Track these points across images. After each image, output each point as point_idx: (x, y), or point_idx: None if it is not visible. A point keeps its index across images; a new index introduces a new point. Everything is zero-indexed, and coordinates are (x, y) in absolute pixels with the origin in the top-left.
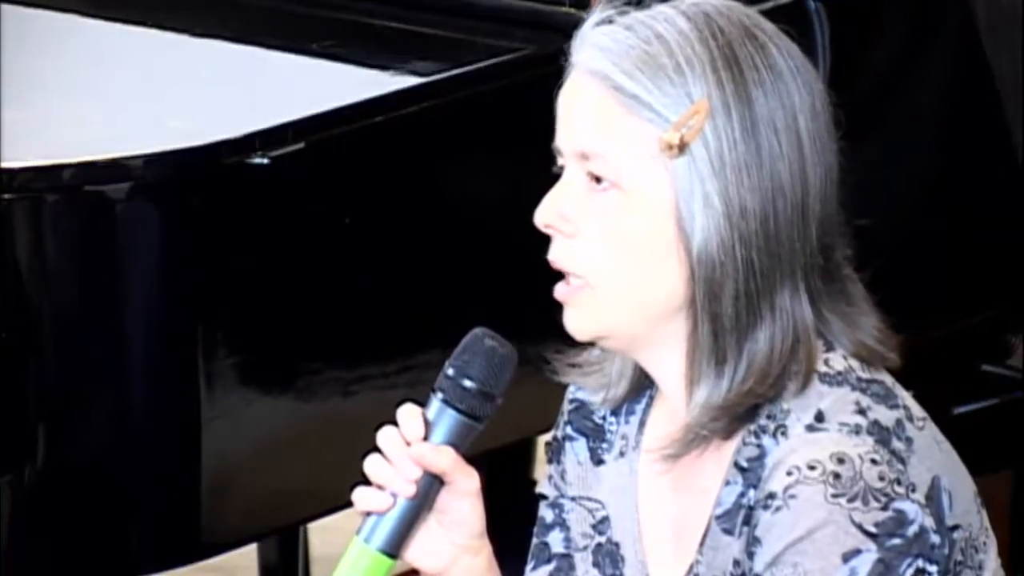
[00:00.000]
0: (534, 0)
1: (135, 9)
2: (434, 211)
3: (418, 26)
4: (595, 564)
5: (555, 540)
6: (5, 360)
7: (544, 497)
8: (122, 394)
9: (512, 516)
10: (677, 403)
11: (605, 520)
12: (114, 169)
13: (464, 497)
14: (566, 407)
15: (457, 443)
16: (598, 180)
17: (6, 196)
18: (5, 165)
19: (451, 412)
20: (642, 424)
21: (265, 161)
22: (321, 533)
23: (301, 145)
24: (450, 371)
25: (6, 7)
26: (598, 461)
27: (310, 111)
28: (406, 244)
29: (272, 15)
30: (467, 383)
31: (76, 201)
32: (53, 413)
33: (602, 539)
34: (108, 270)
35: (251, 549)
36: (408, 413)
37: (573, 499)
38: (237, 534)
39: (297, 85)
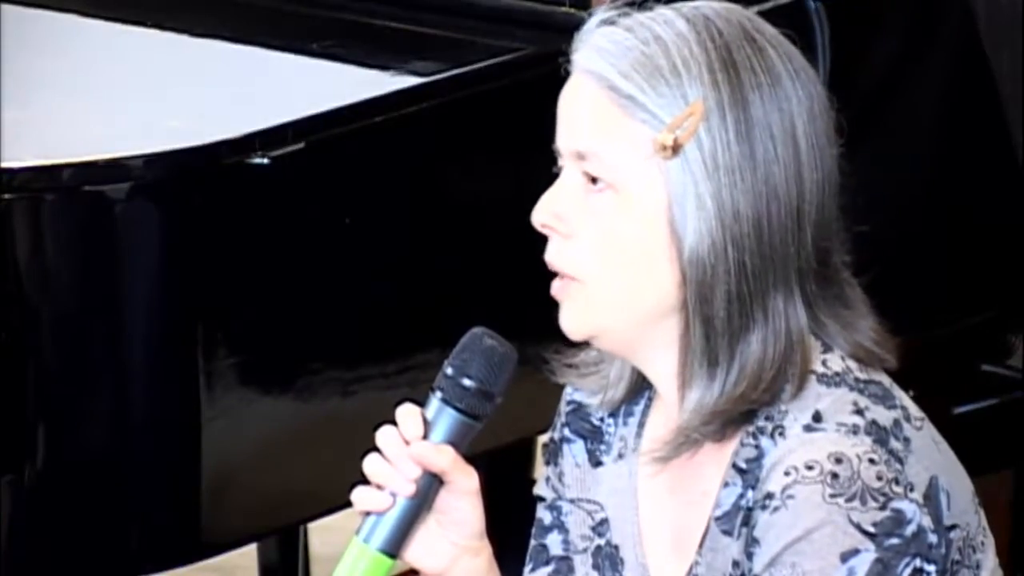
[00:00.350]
0: (534, 0)
1: (135, 9)
2: (434, 211)
3: (418, 26)
4: (595, 566)
5: (553, 542)
6: (5, 360)
7: (542, 499)
8: (122, 394)
9: (512, 517)
10: (673, 405)
11: (604, 522)
12: (114, 169)
13: (463, 496)
14: (563, 408)
15: (456, 442)
16: (594, 180)
17: (6, 196)
18: (5, 165)
19: (450, 411)
20: (641, 426)
21: (265, 161)
22: (321, 533)
23: (301, 145)
24: (449, 370)
25: (6, 7)
26: (596, 463)
27: (310, 111)
28: (406, 244)
29: (272, 15)
30: (466, 382)
31: (76, 201)
32: (53, 413)
33: (601, 541)
34: (108, 270)
35: (251, 549)
36: (407, 412)
37: (572, 501)
38: (237, 534)
39: (297, 85)
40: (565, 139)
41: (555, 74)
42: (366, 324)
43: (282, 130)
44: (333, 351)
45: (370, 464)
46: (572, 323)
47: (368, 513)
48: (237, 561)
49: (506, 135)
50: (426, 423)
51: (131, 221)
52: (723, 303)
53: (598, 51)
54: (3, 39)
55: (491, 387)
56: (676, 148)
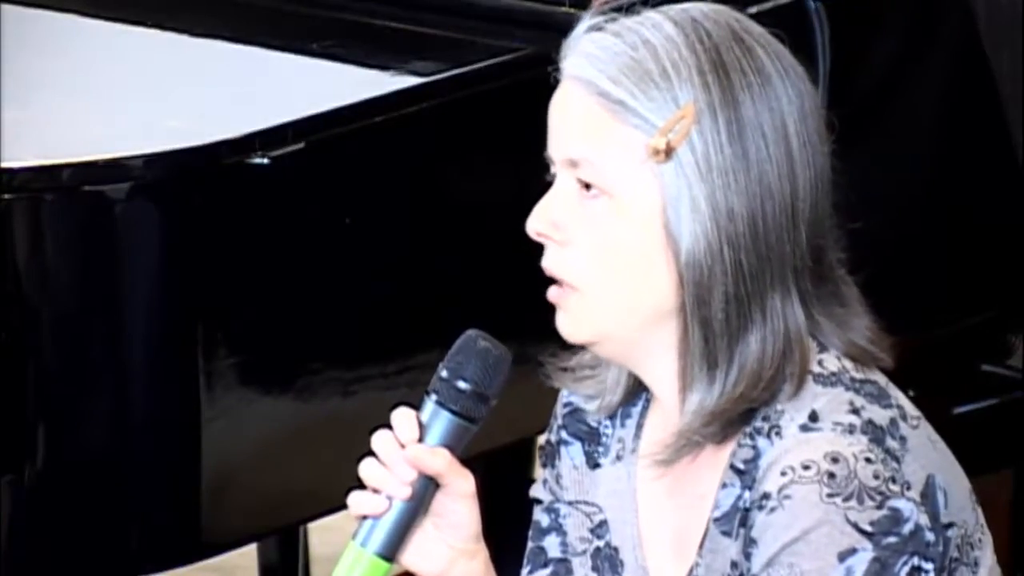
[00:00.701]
0: (534, 0)
1: (135, 9)
2: (434, 211)
3: (418, 26)
4: (594, 568)
5: (551, 544)
6: (5, 360)
7: (538, 501)
8: (122, 394)
9: (510, 519)
10: (672, 409)
11: (603, 524)
12: (114, 169)
13: (459, 499)
14: (560, 410)
15: (452, 445)
16: (588, 187)
17: (6, 196)
18: (5, 165)
19: (445, 414)
20: (639, 428)
21: (265, 161)
22: (321, 533)
23: (301, 145)
24: (444, 373)
25: (6, 7)
26: (594, 465)
27: (310, 111)
28: (406, 244)
29: (272, 15)
30: (461, 384)
31: (75, 201)
32: (53, 413)
33: (600, 543)
34: (108, 270)
35: (251, 549)
36: (402, 415)
37: (570, 503)
38: (237, 534)
39: (297, 85)
40: (557, 147)
41: (555, 74)
42: (366, 324)
43: (282, 130)
44: (333, 351)
45: (366, 468)
46: (571, 329)
47: (364, 517)
48: (237, 561)
49: (506, 135)
50: (421, 426)
51: (131, 221)
52: (721, 304)
53: (586, 57)
54: (3, 39)
55: (486, 389)
56: (669, 152)
